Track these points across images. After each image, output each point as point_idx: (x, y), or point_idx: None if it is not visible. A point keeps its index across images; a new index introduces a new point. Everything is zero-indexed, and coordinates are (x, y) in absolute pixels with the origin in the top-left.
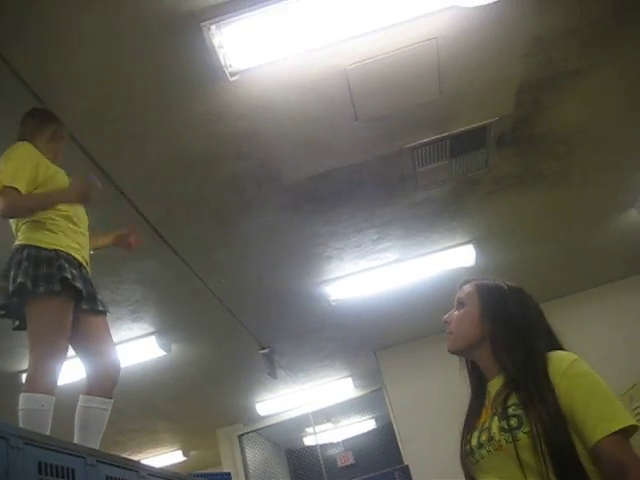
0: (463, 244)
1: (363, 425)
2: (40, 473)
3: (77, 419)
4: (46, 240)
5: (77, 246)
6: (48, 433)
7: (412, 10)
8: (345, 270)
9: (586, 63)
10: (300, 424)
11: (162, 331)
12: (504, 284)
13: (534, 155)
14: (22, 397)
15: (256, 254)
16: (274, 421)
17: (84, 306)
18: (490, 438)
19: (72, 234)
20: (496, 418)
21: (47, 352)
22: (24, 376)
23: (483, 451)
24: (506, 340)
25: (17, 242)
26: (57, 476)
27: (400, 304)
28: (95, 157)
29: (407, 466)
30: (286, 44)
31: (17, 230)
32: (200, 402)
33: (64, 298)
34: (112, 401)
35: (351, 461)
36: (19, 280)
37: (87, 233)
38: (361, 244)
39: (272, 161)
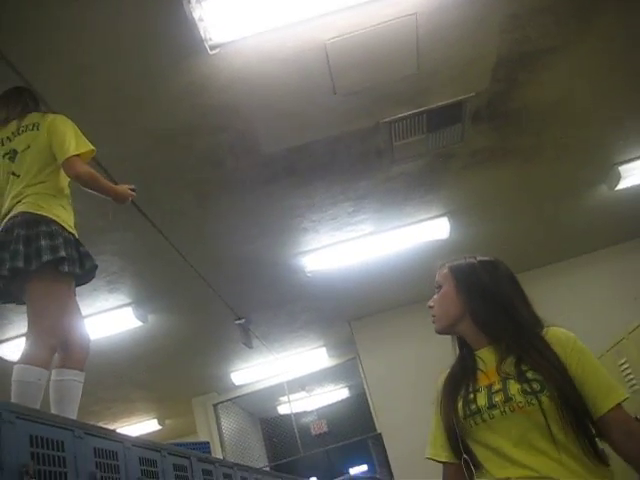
0: (437, 217)
1: (337, 394)
2: (32, 446)
3: (52, 393)
4: (68, 222)
5: (71, 220)
6: (39, 407)
7: None
8: (321, 242)
9: (561, 41)
10: (274, 393)
11: (139, 302)
12: (475, 259)
13: (509, 130)
14: (18, 368)
15: (233, 226)
16: (249, 390)
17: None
18: (508, 399)
19: (70, 210)
20: (512, 381)
21: (51, 328)
22: (2, 346)
23: (496, 411)
24: (485, 311)
25: (36, 211)
26: (48, 448)
27: (374, 275)
28: None
29: (380, 434)
30: (266, 18)
31: (22, 195)
32: (176, 372)
33: (72, 280)
34: (84, 373)
35: (324, 429)
36: (61, 254)
37: None
38: (337, 216)
39: (251, 132)
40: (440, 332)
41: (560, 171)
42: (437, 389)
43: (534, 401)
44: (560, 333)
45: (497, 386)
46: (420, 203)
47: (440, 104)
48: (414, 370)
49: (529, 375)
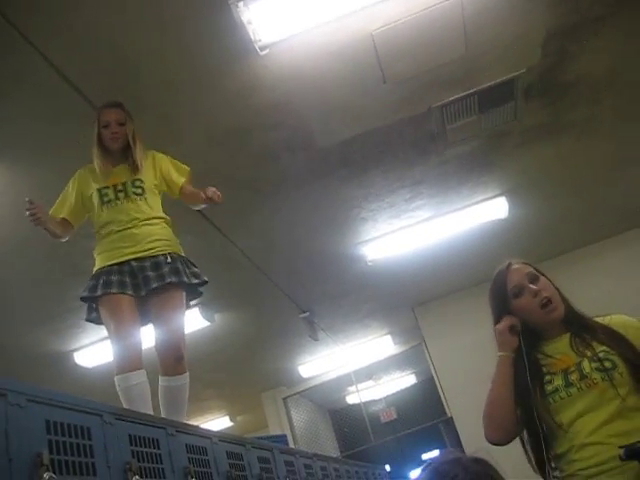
0: (495, 197)
1: (404, 380)
2: (131, 444)
3: (160, 398)
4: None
5: (114, 252)
6: (149, 402)
7: None
8: (380, 230)
9: (612, 9)
10: (342, 384)
11: (205, 302)
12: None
13: (562, 104)
14: (116, 379)
15: (292, 220)
16: (317, 382)
17: (142, 292)
18: (583, 377)
19: (109, 244)
20: (586, 360)
21: (113, 341)
22: (75, 354)
23: (573, 389)
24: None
25: None
26: (145, 446)
27: (435, 260)
28: None
29: (451, 417)
30: (312, 14)
31: None
32: (244, 368)
33: (107, 298)
34: (185, 375)
35: (394, 416)
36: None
37: (136, 223)
38: (394, 204)
39: (304, 128)
40: (560, 319)
41: (619, 140)
42: None
43: (607, 377)
44: (622, 318)
45: (572, 368)
46: (477, 184)
47: (491, 83)
48: (481, 351)
49: (602, 355)
